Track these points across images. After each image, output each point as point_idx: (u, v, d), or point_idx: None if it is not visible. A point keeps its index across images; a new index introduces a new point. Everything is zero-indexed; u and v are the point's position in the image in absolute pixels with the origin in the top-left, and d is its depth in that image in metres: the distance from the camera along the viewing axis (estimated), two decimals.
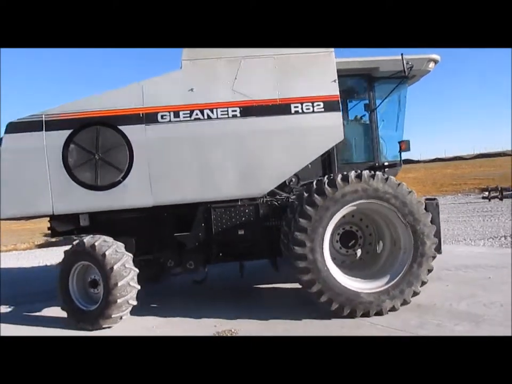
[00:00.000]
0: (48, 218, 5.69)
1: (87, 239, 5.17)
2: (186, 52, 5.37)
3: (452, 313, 4.55)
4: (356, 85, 6.36)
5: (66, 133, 5.27)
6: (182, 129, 5.31)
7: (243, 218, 5.45)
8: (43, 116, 5.28)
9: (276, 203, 5.57)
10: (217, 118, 5.32)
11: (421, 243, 4.68)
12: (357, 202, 4.66)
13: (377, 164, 6.12)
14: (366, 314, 4.69)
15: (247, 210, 5.47)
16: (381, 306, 4.64)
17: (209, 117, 5.32)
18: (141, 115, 5.29)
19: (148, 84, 5.37)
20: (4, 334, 4.96)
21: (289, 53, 5.39)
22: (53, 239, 13.91)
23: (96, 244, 5.08)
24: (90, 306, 5.24)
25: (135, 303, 5.18)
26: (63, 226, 5.88)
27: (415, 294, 4.74)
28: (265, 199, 5.57)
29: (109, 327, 5.09)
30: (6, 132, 5.27)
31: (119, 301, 4.96)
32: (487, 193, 19.17)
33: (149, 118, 5.29)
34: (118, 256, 5.10)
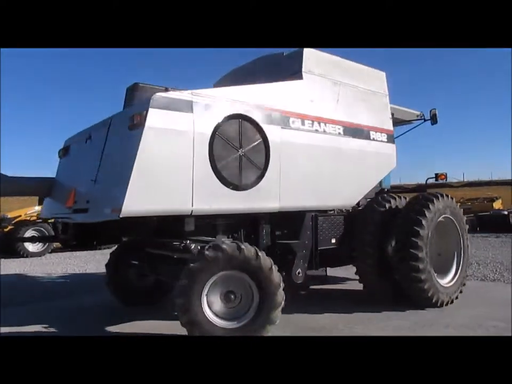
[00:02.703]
0: None
1: (226, 245, 4.45)
2: (305, 64, 5.61)
3: None
4: None
5: (214, 120, 4.54)
6: (305, 137, 5.44)
7: (337, 227, 5.94)
8: (191, 96, 4.39)
9: (353, 214, 6.31)
10: (329, 133, 5.73)
11: (466, 245, 6.47)
12: (444, 215, 6.07)
13: (386, 189, 7.69)
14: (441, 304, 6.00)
15: (338, 221, 5.99)
16: (453, 297, 6.08)
17: (324, 131, 5.67)
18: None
19: (279, 86, 5.28)
20: None
21: (369, 89, 6.42)
22: None
23: (242, 246, 4.47)
24: (228, 322, 4.49)
25: None
26: (129, 233, 4.85)
27: (464, 285, 6.43)
28: (346, 210, 6.23)
29: None
30: (152, 106, 4.09)
31: (282, 302, 4.55)
32: None
33: (284, 121, 5.20)
34: (265, 255, 4.65)
